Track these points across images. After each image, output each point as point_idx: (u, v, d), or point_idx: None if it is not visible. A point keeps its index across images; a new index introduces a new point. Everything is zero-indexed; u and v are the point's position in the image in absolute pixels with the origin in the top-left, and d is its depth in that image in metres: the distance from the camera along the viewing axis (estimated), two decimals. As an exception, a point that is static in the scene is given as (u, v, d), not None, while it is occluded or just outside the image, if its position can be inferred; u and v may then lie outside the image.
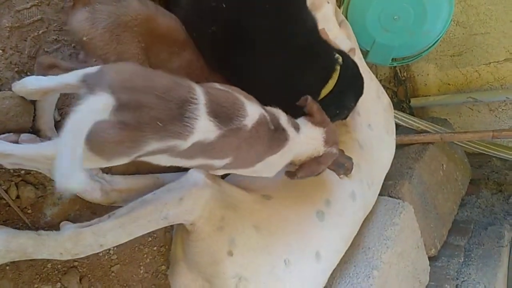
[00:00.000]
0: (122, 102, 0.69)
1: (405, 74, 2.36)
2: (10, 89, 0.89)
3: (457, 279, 1.68)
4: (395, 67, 2.30)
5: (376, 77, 2.15)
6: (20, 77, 0.93)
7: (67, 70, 0.83)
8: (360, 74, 1.27)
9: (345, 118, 1.34)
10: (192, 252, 1.07)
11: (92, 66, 0.84)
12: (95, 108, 0.67)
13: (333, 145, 1.07)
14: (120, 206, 1.03)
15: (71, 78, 0.79)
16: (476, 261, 1.74)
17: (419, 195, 1.75)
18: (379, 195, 1.55)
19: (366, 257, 1.40)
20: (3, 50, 0.93)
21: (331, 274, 1.27)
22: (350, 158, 1.31)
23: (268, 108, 0.97)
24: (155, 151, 0.75)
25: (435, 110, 2.37)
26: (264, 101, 1.00)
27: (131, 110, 0.70)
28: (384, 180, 1.59)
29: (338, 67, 1.18)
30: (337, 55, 1.20)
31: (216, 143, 0.81)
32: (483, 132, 1.81)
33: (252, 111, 0.88)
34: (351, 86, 1.25)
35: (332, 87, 1.17)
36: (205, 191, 1.04)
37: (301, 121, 1.04)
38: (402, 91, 2.32)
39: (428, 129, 1.92)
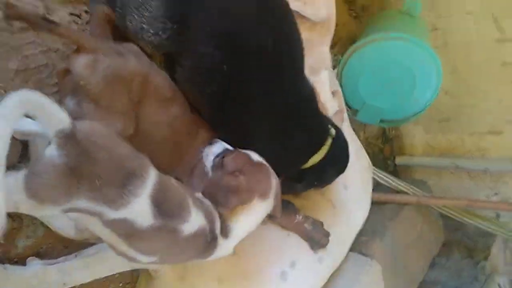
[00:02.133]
0: (76, 137, 0.68)
1: (393, 132, 2.34)
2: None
3: None
4: (384, 125, 2.28)
5: (364, 133, 2.15)
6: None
7: None
8: (348, 153, 1.24)
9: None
10: (153, 297, 1.05)
11: (82, 109, 0.85)
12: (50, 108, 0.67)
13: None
14: (91, 244, 1.02)
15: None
16: (438, 325, 1.68)
17: (390, 254, 1.70)
18: (350, 250, 1.52)
19: (329, 312, 1.36)
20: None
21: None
22: (327, 234, 1.28)
23: (211, 212, 0.89)
24: (85, 210, 0.71)
25: (418, 170, 2.34)
26: None
27: (80, 155, 0.68)
28: (358, 235, 1.56)
29: (330, 140, 1.15)
30: (331, 127, 1.18)
31: (146, 233, 0.76)
32: (458, 200, 1.78)
33: (194, 220, 0.82)
34: (337, 162, 1.22)
35: (320, 159, 1.14)
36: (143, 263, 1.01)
37: None
38: (388, 149, 2.30)
39: (406, 191, 1.89)
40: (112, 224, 0.73)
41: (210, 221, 0.86)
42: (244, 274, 1.14)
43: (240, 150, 0.96)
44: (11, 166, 0.90)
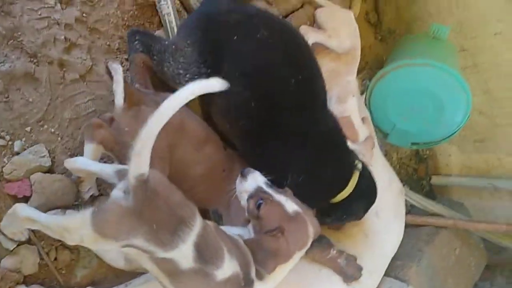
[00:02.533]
0: (144, 189, 0.78)
1: (427, 152, 2.35)
2: (60, 173, 1.03)
3: None
4: (417, 145, 2.30)
5: (397, 154, 2.18)
6: (71, 159, 1.07)
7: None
8: (375, 185, 1.29)
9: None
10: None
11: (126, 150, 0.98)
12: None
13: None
14: (140, 273, 1.13)
15: (110, 169, 0.92)
16: None
17: (427, 279, 1.71)
18: (385, 275, 1.55)
19: None
20: (61, 138, 1.09)
21: None
22: (360, 269, 1.33)
23: (245, 255, 0.96)
24: (139, 247, 0.82)
25: (455, 190, 2.32)
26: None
27: (144, 202, 0.79)
28: (393, 259, 1.59)
29: (357, 174, 1.21)
30: (356, 161, 1.23)
31: (185, 274, 0.85)
32: (496, 224, 1.77)
33: (228, 267, 0.90)
34: (365, 197, 1.27)
35: (348, 193, 1.19)
36: None
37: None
38: (422, 169, 2.30)
39: (442, 213, 1.90)
40: (160, 262, 0.85)
41: (245, 265, 0.94)
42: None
43: (273, 193, 1.01)
44: (69, 206, 1.05)
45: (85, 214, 0.81)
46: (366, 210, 1.30)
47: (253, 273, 0.96)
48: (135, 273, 1.13)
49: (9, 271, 0.96)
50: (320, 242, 1.24)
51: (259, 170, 1.09)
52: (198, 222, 0.86)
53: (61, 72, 1.08)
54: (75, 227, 0.82)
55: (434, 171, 2.36)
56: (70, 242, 0.87)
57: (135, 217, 0.80)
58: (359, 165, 1.22)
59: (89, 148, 1.00)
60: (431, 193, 2.31)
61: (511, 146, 2.06)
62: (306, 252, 1.04)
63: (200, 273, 0.87)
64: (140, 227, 0.80)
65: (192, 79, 1.10)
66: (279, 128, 1.14)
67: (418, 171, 2.29)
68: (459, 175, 2.28)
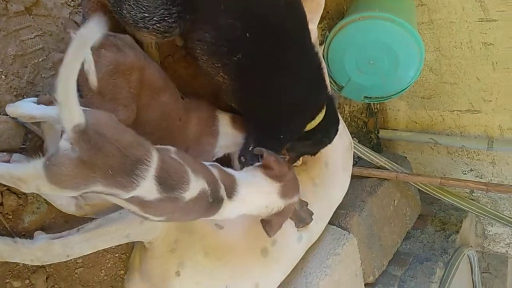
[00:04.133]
0: (88, 134, 0.82)
1: (378, 106, 2.54)
2: (5, 114, 1.02)
3: (387, 306, 1.90)
4: (369, 99, 2.47)
5: (349, 108, 2.34)
6: (17, 100, 1.06)
7: None
8: (338, 117, 1.47)
9: (315, 154, 1.51)
10: (146, 266, 1.24)
11: (87, 98, 1.00)
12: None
13: (293, 196, 1.21)
14: (91, 218, 1.19)
15: (54, 112, 0.94)
16: (407, 292, 1.96)
17: (366, 227, 1.94)
18: (328, 223, 1.74)
19: (306, 281, 1.59)
20: (5, 76, 1.06)
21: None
22: (311, 213, 1.48)
23: (215, 173, 1.09)
24: (100, 192, 0.88)
25: (400, 144, 2.57)
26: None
27: (91, 150, 0.83)
28: (337, 208, 1.78)
29: (325, 106, 1.36)
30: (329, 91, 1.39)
31: (152, 204, 0.94)
32: (432, 178, 2.01)
33: (194, 187, 0.99)
34: (334, 122, 1.44)
35: (318, 122, 1.35)
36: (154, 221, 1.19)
37: (255, 173, 1.18)
38: (372, 123, 2.50)
39: (386, 166, 2.11)
40: (126, 200, 0.92)
41: (213, 183, 1.05)
42: (228, 248, 1.32)
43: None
44: (15, 150, 1.06)
45: (37, 166, 0.83)
46: (335, 135, 1.48)
47: (222, 192, 1.07)
48: (86, 219, 1.19)
49: (-49, 215, 0.98)
50: None
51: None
52: (154, 157, 0.92)
53: (3, 2, 1.03)
54: (29, 178, 0.85)
55: (383, 125, 2.58)
56: (26, 191, 0.90)
57: (87, 167, 0.83)
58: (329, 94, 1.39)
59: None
60: (378, 146, 2.53)
61: (454, 104, 2.29)
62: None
63: (168, 200, 0.95)
64: (96, 175, 0.84)
65: (161, 21, 1.08)
66: (273, 59, 1.20)
67: (368, 124, 2.48)
68: (405, 130, 2.52)
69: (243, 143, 1.31)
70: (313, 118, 1.35)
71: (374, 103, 2.51)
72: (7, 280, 1.11)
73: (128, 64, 1.04)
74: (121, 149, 0.87)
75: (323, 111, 1.37)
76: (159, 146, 1.03)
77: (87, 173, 0.84)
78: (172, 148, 1.03)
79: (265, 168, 1.18)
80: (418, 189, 2.29)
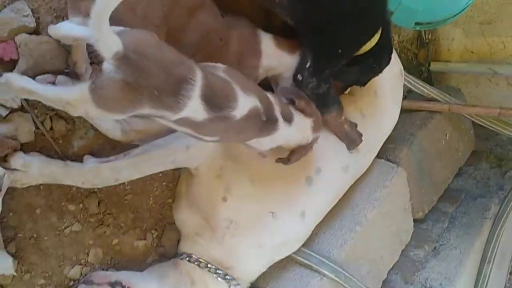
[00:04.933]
0: (128, 57, 0.80)
1: (429, 36, 2.39)
2: (46, 35, 1.03)
3: (436, 242, 1.88)
4: (420, 29, 2.32)
5: (398, 37, 2.22)
6: (58, 22, 1.05)
7: None
8: (392, 44, 1.38)
9: (364, 85, 1.45)
10: (193, 192, 1.27)
11: (118, 15, 0.98)
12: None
13: (319, 131, 1.23)
14: (136, 145, 1.22)
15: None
16: (458, 228, 1.92)
17: (416, 161, 1.89)
18: (377, 157, 1.71)
19: (353, 213, 1.59)
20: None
21: (317, 224, 1.47)
22: (360, 135, 1.45)
23: (269, 96, 1.09)
24: (148, 115, 0.89)
25: (453, 77, 2.43)
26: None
27: (135, 72, 0.82)
28: (385, 142, 1.73)
29: (380, 29, 1.27)
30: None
31: (203, 124, 0.94)
32: (490, 108, 1.90)
33: (243, 104, 0.98)
34: (384, 52, 1.35)
35: (371, 46, 1.27)
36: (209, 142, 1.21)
37: (293, 111, 1.17)
38: (423, 54, 2.36)
39: (438, 98, 2.01)
40: (176, 122, 0.93)
41: (266, 102, 1.06)
42: (273, 176, 1.33)
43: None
44: (59, 71, 1.07)
45: (83, 90, 0.83)
46: (387, 64, 1.40)
47: (277, 113, 1.08)
48: (132, 146, 1.21)
49: (5, 137, 1.02)
50: (339, 105, 1.36)
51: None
52: (198, 75, 0.91)
53: None
54: (76, 102, 0.85)
55: (435, 57, 2.43)
56: (74, 114, 0.92)
57: (132, 88, 0.83)
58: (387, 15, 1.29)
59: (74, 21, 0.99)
60: (429, 80, 2.41)
61: (519, 28, 2.11)
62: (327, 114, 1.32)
63: (218, 119, 0.96)
64: (142, 97, 0.84)
65: None
66: None
67: (418, 56, 2.35)
68: (459, 61, 2.37)
69: (298, 60, 1.26)
70: (370, 38, 1.27)
71: (425, 32, 2.36)
72: (63, 203, 1.17)
73: None
74: (164, 68, 0.86)
75: (378, 33, 1.28)
76: (206, 63, 1.02)
77: (133, 95, 0.84)
78: (221, 66, 1.02)
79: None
80: (473, 123, 2.19)
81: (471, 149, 2.24)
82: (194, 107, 0.90)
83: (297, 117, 1.17)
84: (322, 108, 1.32)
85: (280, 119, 1.10)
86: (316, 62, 1.24)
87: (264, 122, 1.05)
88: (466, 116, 2.10)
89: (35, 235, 1.13)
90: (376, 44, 1.28)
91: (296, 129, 1.16)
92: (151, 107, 0.87)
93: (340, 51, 1.25)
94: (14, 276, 1.08)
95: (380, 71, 1.42)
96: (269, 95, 1.12)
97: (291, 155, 1.22)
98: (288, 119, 1.13)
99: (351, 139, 1.43)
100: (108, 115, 0.86)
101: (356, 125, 1.46)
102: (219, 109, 0.95)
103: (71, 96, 0.85)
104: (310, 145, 1.23)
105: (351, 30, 1.22)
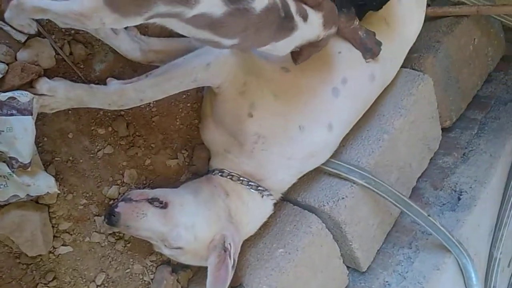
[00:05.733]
0: None
1: None
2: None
3: (465, 148, 1.83)
4: None
5: None
6: None
7: None
8: None
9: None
10: (218, 111, 1.26)
11: None
12: None
13: (332, 26, 1.14)
14: (157, 66, 1.19)
15: None
16: (488, 133, 1.86)
17: (442, 69, 1.80)
18: (402, 66, 1.64)
19: (380, 122, 1.55)
20: None
21: (345, 136, 1.45)
22: (379, 43, 1.37)
23: None
24: (164, 14, 0.84)
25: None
26: None
27: None
28: (409, 52, 1.65)
29: None
30: None
31: (223, 20, 0.89)
32: (522, 5, 1.76)
33: None
34: None
35: None
36: (230, 58, 1.17)
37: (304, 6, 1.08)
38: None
39: (465, 1, 1.87)
40: (193, 20, 0.88)
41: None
42: (297, 89, 1.29)
43: None
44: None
45: None
46: None
47: (293, 9, 1.02)
48: (152, 66, 1.19)
49: (28, 63, 1.01)
50: (349, 10, 1.28)
51: None
52: None
53: None
54: (90, 11, 0.81)
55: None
56: (92, 27, 0.89)
57: None
58: None
59: None
60: (453, -16, 2.23)
61: None
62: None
63: (238, 13, 0.91)
64: None
65: None
66: None
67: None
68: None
69: None
70: None
71: None
72: (92, 128, 1.18)
73: None
74: None
75: None
76: None
77: None
78: None
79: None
80: (503, 27, 2.04)
81: (502, 54, 2.11)
82: (212, 0, 0.86)
83: (310, 12, 1.09)
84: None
85: (296, 17, 1.04)
86: None
87: (283, 18, 0.99)
88: (496, 17, 1.96)
89: (71, 158, 1.15)
90: None
91: (310, 27, 1.09)
92: (165, 3, 0.82)
93: None
94: (58, 195, 1.11)
95: None
96: None
97: (299, 55, 1.15)
98: (303, 16, 1.06)
99: (366, 47, 1.35)
100: (124, 21, 0.83)
101: (374, 34, 1.37)
102: (238, 0, 0.90)
103: (84, 6, 0.81)
104: (321, 43, 1.16)
105: None
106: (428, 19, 1.79)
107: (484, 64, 2.03)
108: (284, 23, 1.01)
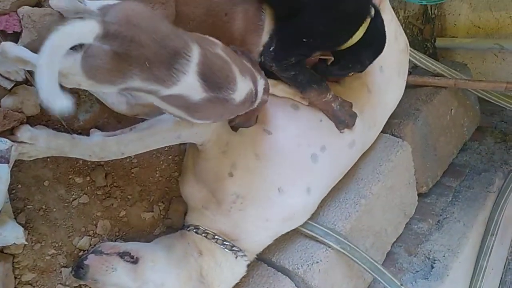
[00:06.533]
0: (111, 32, 0.76)
1: (435, 11, 2.31)
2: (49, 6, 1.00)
3: (440, 215, 1.85)
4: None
5: (404, 13, 2.15)
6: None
7: None
8: (385, 35, 1.30)
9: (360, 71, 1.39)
10: (200, 167, 1.25)
11: None
12: (76, 32, 0.74)
13: (264, 95, 1.14)
14: (142, 119, 1.19)
15: (95, 5, 0.89)
16: (462, 202, 1.89)
17: (421, 136, 1.84)
18: (382, 131, 1.67)
19: (358, 186, 1.56)
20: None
21: (323, 198, 1.45)
22: (353, 115, 1.39)
23: (253, 71, 1.04)
24: (139, 89, 0.84)
25: (459, 53, 2.36)
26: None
27: (124, 43, 0.78)
28: (390, 118, 1.69)
29: (369, 20, 1.21)
30: (371, 7, 1.22)
31: (200, 105, 0.89)
32: (496, 83, 1.85)
33: (242, 88, 0.94)
34: (373, 44, 1.28)
35: (357, 39, 1.20)
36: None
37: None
38: (428, 30, 2.29)
39: (444, 73, 1.96)
40: (169, 99, 0.88)
41: (254, 81, 1.01)
42: (278, 152, 1.29)
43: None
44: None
45: (76, 59, 0.80)
46: (372, 60, 1.33)
47: (259, 88, 1.04)
48: (137, 119, 1.19)
49: (11, 110, 1.00)
50: (320, 85, 1.29)
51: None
52: (195, 51, 0.87)
53: None
54: (68, 72, 0.81)
55: (441, 32, 2.36)
56: (69, 85, 0.88)
57: (122, 59, 0.79)
58: (372, 11, 1.21)
59: None
60: (434, 55, 2.34)
61: (527, 2, 2.03)
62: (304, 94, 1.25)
63: (217, 101, 0.92)
64: (132, 67, 0.80)
65: None
66: None
67: (424, 31, 2.28)
68: (465, 36, 2.29)
69: (266, 41, 1.20)
70: (348, 34, 1.20)
71: (431, 8, 2.28)
72: (70, 176, 1.15)
73: None
74: (157, 40, 0.82)
75: (361, 29, 1.19)
76: (205, 37, 0.98)
77: (122, 65, 0.80)
78: (219, 43, 0.97)
79: None
80: (479, 99, 2.13)
81: (476, 125, 2.19)
82: (190, 84, 0.86)
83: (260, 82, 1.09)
84: (297, 88, 1.29)
85: (260, 91, 1.05)
86: (279, 48, 1.18)
87: (253, 100, 1.01)
88: (472, 91, 2.05)
89: (44, 207, 1.11)
90: (361, 40, 1.20)
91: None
92: (142, 79, 0.82)
93: (306, 40, 1.17)
94: (25, 245, 1.07)
95: (362, 69, 1.35)
96: (249, 65, 1.06)
97: (236, 118, 1.14)
98: (265, 89, 1.07)
99: (339, 119, 1.36)
100: (99, 87, 0.83)
101: (350, 105, 1.39)
102: (218, 89, 0.90)
103: (63, 66, 0.81)
104: (257, 110, 1.15)
105: (321, 22, 1.16)
106: (409, 86, 1.86)
107: (460, 134, 2.10)
108: (253, 102, 1.03)
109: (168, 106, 0.92)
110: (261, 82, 1.08)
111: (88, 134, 1.11)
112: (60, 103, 0.73)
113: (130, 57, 0.79)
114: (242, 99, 0.95)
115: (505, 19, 2.14)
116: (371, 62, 1.34)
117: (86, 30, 0.75)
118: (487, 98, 2.00)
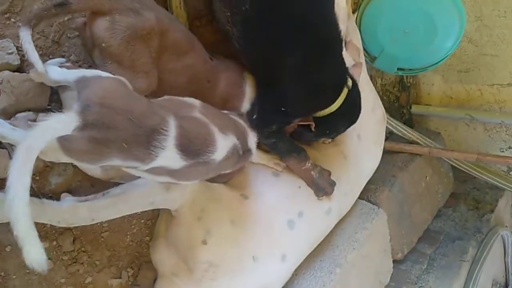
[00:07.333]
0: (90, 121, 0.76)
1: (411, 80, 2.41)
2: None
3: (415, 283, 1.83)
4: (402, 73, 2.34)
5: (381, 80, 2.23)
6: (43, 60, 1.01)
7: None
8: (360, 106, 1.34)
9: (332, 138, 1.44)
10: (172, 233, 1.21)
11: (105, 67, 0.95)
12: (55, 127, 0.74)
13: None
14: (116, 183, 1.16)
15: (72, 76, 0.89)
16: (437, 270, 1.87)
17: (396, 203, 1.86)
18: (358, 197, 1.67)
19: (333, 254, 1.54)
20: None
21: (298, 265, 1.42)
22: (332, 183, 1.40)
23: (242, 125, 1.06)
24: (119, 166, 0.85)
25: (433, 120, 2.44)
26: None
27: (101, 129, 0.78)
28: (367, 183, 1.70)
29: (346, 91, 1.25)
30: (348, 78, 1.27)
31: (183, 171, 0.90)
32: (468, 153, 1.90)
33: (223, 147, 0.95)
34: (350, 114, 1.33)
35: (335, 108, 1.25)
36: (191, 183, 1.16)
37: None
38: (404, 97, 2.37)
39: (419, 141, 2.00)
40: (150, 171, 0.88)
41: (242, 135, 1.03)
42: (254, 218, 1.28)
43: None
44: (41, 109, 1.03)
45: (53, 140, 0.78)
46: (346, 128, 1.37)
47: (250, 142, 1.05)
48: (112, 183, 1.16)
49: (-20, 173, 0.97)
50: (299, 154, 1.32)
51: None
52: (172, 125, 0.87)
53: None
54: (47, 149, 0.79)
55: (416, 100, 2.45)
56: (46, 159, 0.87)
57: (100, 142, 0.79)
58: (349, 82, 1.25)
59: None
60: (410, 122, 2.41)
61: (494, 77, 2.14)
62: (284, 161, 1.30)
63: (198, 164, 0.92)
64: (110, 150, 0.80)
65: None
66: (282, 22, 1.11)
67: (400, 99, 2.36)
68: (439, 105, 2.38)
69: (248, 109, 1.23)
70: (324, 104, 1.24)
71: (407, 77, 2.38)
72: (35, 241, 1.10)
73: (147, 28, 0.97)
74: (133, 120, 0.82)
75: (340, 99, 1.24)
76: (182, 101, 0.98)
77: (101, 148, 0.80)
78: (196, 103, 0.98)
79: None
80: (452, 166, 2.18)
81: (450, 191, 2.22)
82: (170, 157, 0.87)
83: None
84: (277, 155, 1.32)
85: (252, 146, 1.07)
86: (261, 116, 1.20)
87: (241, 155, 1.02)
88: (445, 159, 2.09)
89: (2, 274, 1.05)
90: (338, 109, 1.25)
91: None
92: (121, 159, 0.83)
93: (284, 109, 1.20)
94: (-23, 317, 1.00)
95: (336, 135, 1.41)
96: (241, 121, 1.08)
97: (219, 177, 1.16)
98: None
99: (319, 186, 1.37)
100: (79, 164, 0.82)
101: (329, 173, 1.41)
102: (197, 156, 0.91)
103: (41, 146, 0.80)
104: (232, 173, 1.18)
105: (299, 92, 1.19)
106: (386, 152, 1.89)
107: (435, 200, 2.12)
108: (242, 157, 1.04)
109: (151, 176, 0.92)
110: (252, 135, 1.11)
111: (58, 198, 1.08)
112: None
113: (108, 141, 0.79)
114: (224, 156, 0.96)
115: (475, 91, 2.24)
116: (344, 130, 1.38)
117: (64, 125, 0.75)
118: (459, 167, 2.04)
